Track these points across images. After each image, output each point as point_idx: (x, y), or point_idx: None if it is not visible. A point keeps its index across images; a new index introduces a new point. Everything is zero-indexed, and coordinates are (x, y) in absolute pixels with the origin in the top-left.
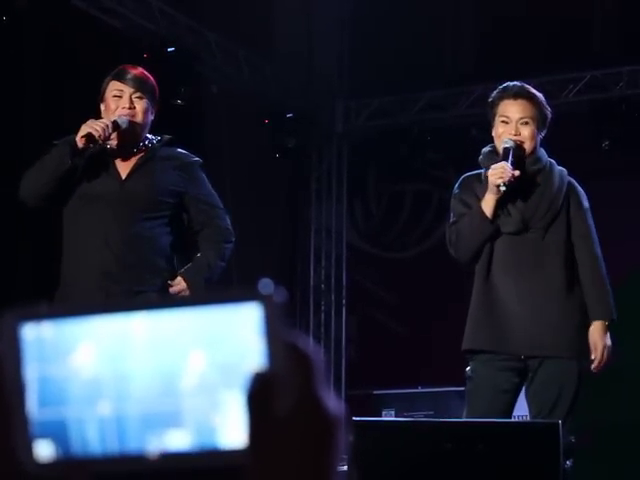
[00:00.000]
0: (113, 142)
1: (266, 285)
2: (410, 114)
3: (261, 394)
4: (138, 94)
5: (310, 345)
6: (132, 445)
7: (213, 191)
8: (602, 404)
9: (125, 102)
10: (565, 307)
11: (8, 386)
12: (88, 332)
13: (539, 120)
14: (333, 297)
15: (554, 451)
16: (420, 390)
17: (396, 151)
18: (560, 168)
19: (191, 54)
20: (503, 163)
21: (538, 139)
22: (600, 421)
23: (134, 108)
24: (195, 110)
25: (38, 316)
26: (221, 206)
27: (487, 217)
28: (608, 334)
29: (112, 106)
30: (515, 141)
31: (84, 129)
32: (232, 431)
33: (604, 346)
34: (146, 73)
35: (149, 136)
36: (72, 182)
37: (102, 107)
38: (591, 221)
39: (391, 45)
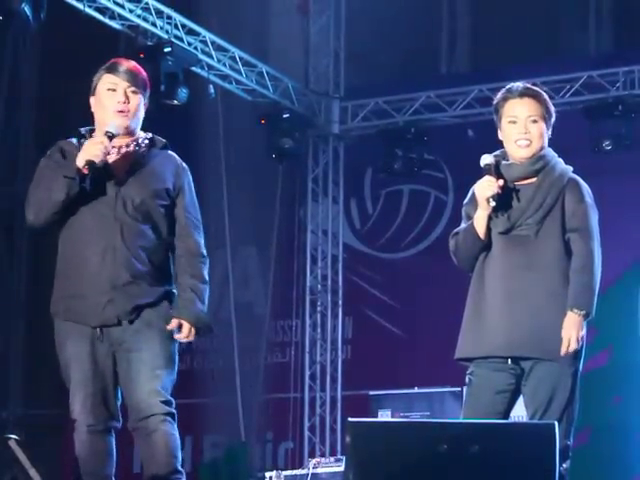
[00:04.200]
0: (113, 156)
1: None
2: (406, 115)
3: None
4: (132, 88)
5: None
6: None
7: (195, 200)
8: (594, 404)
9: (120, 96)
10: (557, 308)
11: None
12: None
13: (546, 118)
14: (329, 297)
15: (550, 453)
16: (416, 391)
17: (392, 152)
18: (565, 167)
19: (188, 54)
20: (487, 177)
21: (546, 138)
22: (593, 421)
23: (129, 102)
24: (191, 110)
25: None
26: (199, 217)
27: (478, 236)
28: (579, 326)
29: (105, 101)
30: (495, 157)
31: (84, 156)
32: None
33: (572, 338)
34: (139, 67)
35: (141, 135)
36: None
37: (92, 100)
38: (592, 217)
39: (387, 46)
